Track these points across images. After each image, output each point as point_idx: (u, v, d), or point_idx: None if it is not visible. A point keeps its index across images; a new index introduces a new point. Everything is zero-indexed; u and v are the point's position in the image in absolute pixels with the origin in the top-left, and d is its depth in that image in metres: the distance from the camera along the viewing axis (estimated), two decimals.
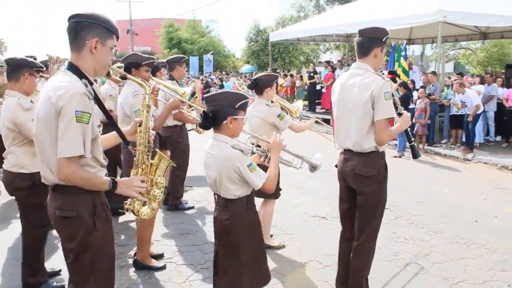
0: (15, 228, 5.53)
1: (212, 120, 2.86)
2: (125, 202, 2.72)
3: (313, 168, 3.60)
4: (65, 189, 2.37)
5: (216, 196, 3.01)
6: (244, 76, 23.84)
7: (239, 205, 2.91)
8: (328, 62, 18.62)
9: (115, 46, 2.50)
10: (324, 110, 16.52)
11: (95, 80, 3.32)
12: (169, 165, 2.88)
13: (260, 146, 3.38)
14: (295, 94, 18.53)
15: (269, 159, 3.15)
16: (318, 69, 20.30)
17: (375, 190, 3.41)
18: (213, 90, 20.18)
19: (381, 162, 3.44)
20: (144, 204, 2.75)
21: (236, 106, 2.86)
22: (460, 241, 5.03)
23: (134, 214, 2.75)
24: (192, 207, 6.16)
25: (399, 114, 3.44)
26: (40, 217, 3.80)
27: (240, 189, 2.88)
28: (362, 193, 3.44)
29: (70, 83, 2.29)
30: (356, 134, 3.34)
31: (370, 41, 3.38)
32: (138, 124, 2.79)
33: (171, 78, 5.80)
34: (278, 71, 30.30)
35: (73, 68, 2.39)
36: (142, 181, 2.61)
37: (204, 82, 21.93)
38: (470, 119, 10.09)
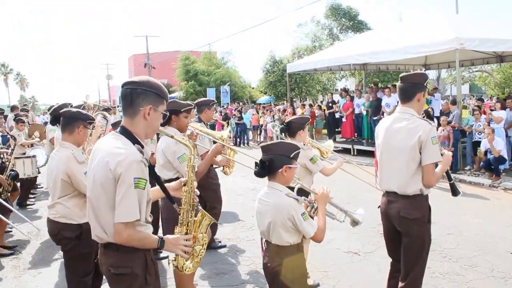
0: (54, 270, 5.67)
1: (268, 168, 3.00)
2: (170, 258, 2.85)
3: (355, 223, 3.70)
4: (118, 248, 2.48)
5: (266, 243, 3.12)
6: (262, 107, 24.03)
7: (291, 252, 3.01)
8: (345, 90, 18.75)
9: (165, 111, 2.65)
10: (345, 139, 16.57)
11: None
12: (211, 222, 3.00)
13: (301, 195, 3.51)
14: (315, 124, 18.65)
15: (315, 210, 3.26)
16: (335, 97, 20.46)
17: (421, 231, 3.52)
18: (232, 121, 20.46)
19: (426, 204, 3.55)
20: (187, 259, 2.86)
21: (291, 156, 3.03)
22: (497, 275, 5.00)
23: (179, 269, 2.87)
24: (224, 246, 6.22)
25: (441, 155, 3.56)
26: (85, 266, 3.90)
27: (293, 236, 3.01)
28: (407, 235, 3.55)
29: (127, 149, 2.42)
30: (402, 177, 3.46)
31: (413, 86, 3.54)
32: (183, 184, 2.91)
33: (200, 120, 5.93)
34: (294, 100, 30.58)
35: (126, 133, 2.52)
36: (187, 239, 2.71)
37: (223, 114, 22.22)
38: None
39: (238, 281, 5.08)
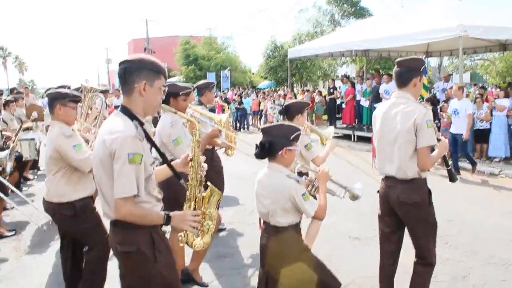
0: (54, 252, 5.67)
1: (268, 150, 2.98)
2: (179, 234, 2.82)
3: (355, 198, 3.71)
4: (124, 225, 2.48)
5: (264, 223, 3.11)
6: (262, 92, 23.95)
7: (289, 232, 3.01)
8: (346, 76, 18.66)
9: (164, 86, 2.62)
10: (345, 125, 16.54)
11: None
12: (221, 198, 2.97)
13: (301, 175, 3.50)
14: (315, 109, 18.60)
15: (316, 189, 3.26)
16: (336, 83, 20.38)
17: (420, 215, 3.54)
18: (233, 106, 20.38)
19: (424, 188, 3.56)
20: (197, 236, 2.84)
21: (291, 138, 3.01)
22: (498, 262, 5.01)
23: (189, 246, 2.84)
24: (224, 229, 6.23)
25: (438, 140, 3.56)
26: (95, 238, 3.91)
27: (292, 217, 3.02)
28: (408, 220, 3.58)
29: (123, 126, 2.43)
30: (399, 161, 3.47)
31: (409, 71, 3.52)
32: (189, 159, 2.88)
33: (200, 103, 5.88)
34: (295, 85, 30.48)
35: (125, 110, 2.53)
36: (195, 215, 2.69)
37: (223, 98, 22.15)
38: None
39: (239, 264, 5.09)
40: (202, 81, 6.04)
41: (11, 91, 15.96)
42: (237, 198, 7.79)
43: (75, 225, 3.87)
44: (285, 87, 24.19)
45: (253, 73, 42.38)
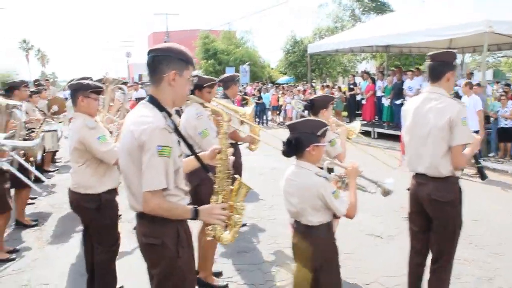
0: (76, 242, 5.72)
1: (295, 147, 2.91)
2: (206, 228, 2.78)
3: (386, 193, 3.58)
4: (150, 217, 2.44)
5: (295, 222, 3.06)
6: (282, 87, 23.84)
7: (321, 231, 2.95)
8: (367, 73, 18.46)
9: (192, 77, 2.57)
10: (365, 122, 16.38)
11: None
12: (249, 190, 2.90)
13: (330, 171, 3.43)
14: (334, 105, 18.42)
15: (346, 185, 3.19)
16: (356, 79, 20.19)
17: (452, 214, 3.44)
18: (253, 101, 20.28)
19: (457, 187, 3.46)
20: (225, 229, 2.79)
21: (318, 134, 2.93)
22: None
23: (216, 240, 2.79)
24: (245, 224, 6.20)
25: None
26: (109, 237, 3.93)
27: (323, 216, 2.94)
28: (438, 218, 3.48)
29: (152, 117, 2.37)
30: (431, 158, 3.37)
31: (442, 65, 3.41)
32: (217, 152, 2.83)
33: (226, 96, 5.85)
34: (314, 81, 30.28)
35: (153, 101, 2.47)
36: (223, 208, 2.64)
37: (242, 93, 22.09)
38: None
39: (259, 260, 5.06)
40: (227, 74, 5.99)
41: (35, 82, 16.10)
42: (257, 194, 7.75)
43: (96, 218, 3.85)
44: (305, 83, 24.02)
45: (272, 68, 42.24)
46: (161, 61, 2.44)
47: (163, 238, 2.46)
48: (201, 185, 3.80)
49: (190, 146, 2.71)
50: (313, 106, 4.52)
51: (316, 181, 2.88)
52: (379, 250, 5.38)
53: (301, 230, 3.01)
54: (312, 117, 3.60)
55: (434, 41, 14.09)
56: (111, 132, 4.35)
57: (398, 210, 6.65)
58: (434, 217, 3.50)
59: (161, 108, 2.45)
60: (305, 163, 2.97)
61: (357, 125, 5.19)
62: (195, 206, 2.50)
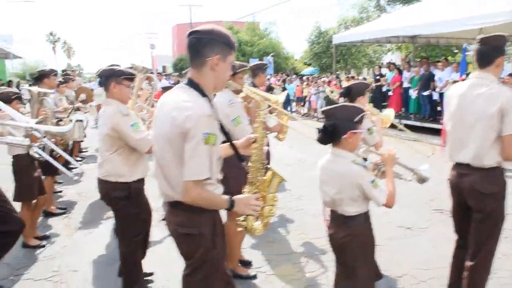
0: (103, 231, 5.75)
1: (331, 134, 2.82)
2: (238, 218, 2.73)
3: (422, 180, 3.45)
4: (186, 207, 2.36)
5: (331, 212, 2.97)
6: (306, 78, 23.65)
7: (358, 222, 2.86)
8: (393, 64, 18.16)
9: (233, 62, 2.49)
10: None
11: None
12: (282, 181, 2.83)
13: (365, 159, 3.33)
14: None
15: (382, 173, 3.09)
16: (382, 70, 19.87)
17: (495, 207, 3.26)
18: (276, 92, 20.17)
19: (502, 178, 3.28)
20: (256, 219, 2.74)
21: (355, 120, 2.81)
22: None
23: (247, 230, 2.74)
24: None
25: None
26: (134, 226, 3.89)
27: (360, 205, 2.84)
28: (480, 211, 3.28)
29: (196, 103, 2.27)
30: (477, 148, 3.18)
31: (493, 49, 3.21)
32: (252, 141, 2.76)
33: (253, 85, 5.74)
34: (338, 73, 29.99)
35: (193, 85, 2.37)
36: (258, 199, 2.57)
37: (268, 84, 22.00)
38: None
39: (288, 250, 5.00)
40: (255, 63, 5.90)
41: (63, 72, 16.30)
42: (283, 184, 7.67)
43: (124, 207, 3.80)
44: (330, 74, 23.77)
45: (296, 60, 41.99)
46: (205, 44, 2.33)
47: (200, 228, 2.40)
48: (229, 174, 3.75)
49: (226, 134, 2.60)
50: (350, 93, 4.39)
51: (354, 169, 2.77)
52: (410, 242, 5.25)
53: (338, 220, 2.92)
54: (349, 104, 3.45)
55: (463, 30, 13.71)
56: (143, 121, 4.32)
57: (427, 202, 6.52)
58: (476, 210, 3.32)
59: (202, 93, 2.36)
60: (341, 151, 2.86)
61: (391, 113, 5.05)
62: (230, 196, 2.44)
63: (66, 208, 6.64)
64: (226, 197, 2.42)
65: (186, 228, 2.41)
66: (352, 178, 2.77)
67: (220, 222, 2.53)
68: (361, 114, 2.86)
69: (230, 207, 2.41)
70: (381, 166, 3.15)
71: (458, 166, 3.39)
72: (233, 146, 2.68)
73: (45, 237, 5.49)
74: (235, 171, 3.11)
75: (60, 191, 7.56)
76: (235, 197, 2.45)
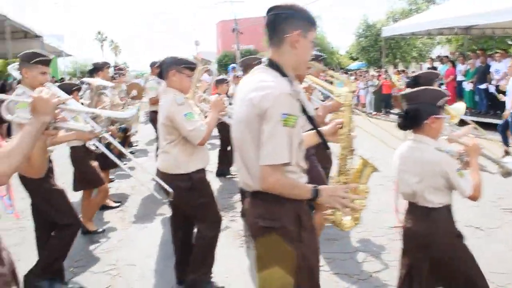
0: (158, 224, 5.71)
1: (412, 119, 2.63)
2: (324, 212, 2.53)
3: (508, 174, 3.18)
4: (266, 196, 2.16)
5: (409, 205, 2.76)
6: (354, 73, 23.19)
7: (441, 214, 2.64)
8: (446, 57, 17.49)
9: (315, 40, 2.29)
10: None
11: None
12: (374, 171, 2.61)
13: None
14: None
15: (463, 164, 2.84)
16: (434, 64, 19.21)
17: None
18: (338, 84, 19.81)
19: None
20: (346, 214, 2.48)
21: (438, 104, 2.61)
22: None
23: (335, 225, 2.53)
24: None
25: None
26: (211, 214, 3.83)
27: (444, 196, 2.63)
28: None
29: (274, 82, 2.09)
30: None
31: None
32: (339, 126, 2.54)
33: None
34: (386, 66, 29.29)
35: (273, 65, 2.19)
36: (347, 190, 2.24)
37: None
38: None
39: (350, 248, 4.77)
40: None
41: (115, 68, 16.61)
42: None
43: (190, 198, 3.70)
44: (377, 68, 23.21)
45: (341, 55, 41.32)
46: (283, 20, 2.14)
47: (282, 221, 2.17)
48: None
49: (311, 119, 2.36)
50: (417, 83, 4.15)
51: (439, 156, 2.56)
52: (481, 242, 4.91)
53: (418, 213, 2.71)
54: (431, 87, 3.18)
55: None
56: (202, 112, 4.22)
57: (495, 200, 6.13)
58: None
59: (282, 73, 2.17)
60: (423, 137, 2.66)
61: (460, 106, 4.75)
62: (315, 185, 2.18)
63: (120, 202, 6.65)
64: (310, 186, 2.18)
65: (268, 220, 2.18)
66: (437, 165, 2.57)
67: (306, 214, 2.28)
68: (445, 98, 2.67)
69: (314, 198, 2.16)
70: (464, 156, 2.89)
71: None
72: (319, 133, 2.45)
73: (102, 231, 5.52)
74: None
75: (113, 180, 7.62)
76: (321, 187, 2.18)
